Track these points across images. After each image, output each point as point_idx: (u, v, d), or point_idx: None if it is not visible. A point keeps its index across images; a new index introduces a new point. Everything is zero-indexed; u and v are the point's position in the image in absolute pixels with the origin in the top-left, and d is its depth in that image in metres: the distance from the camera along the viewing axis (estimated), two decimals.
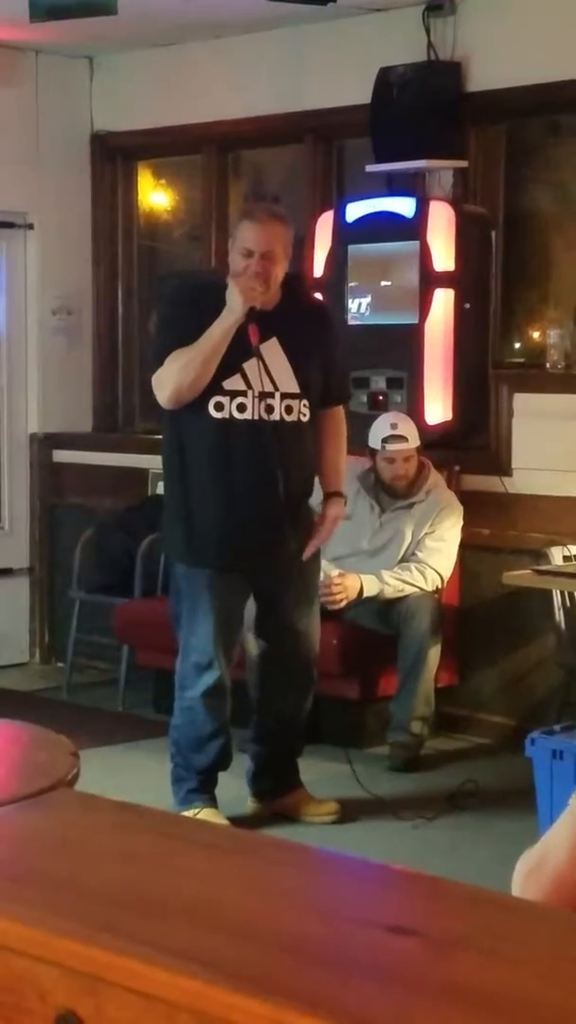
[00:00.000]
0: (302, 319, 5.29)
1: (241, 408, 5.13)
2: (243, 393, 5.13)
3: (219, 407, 5.13)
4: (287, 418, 5.17)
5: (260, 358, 5.08)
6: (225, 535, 5.17)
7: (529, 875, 1.93)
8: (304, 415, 5.22)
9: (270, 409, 5.13)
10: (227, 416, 5.12)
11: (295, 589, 5.31)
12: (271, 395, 5.14)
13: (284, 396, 5.17)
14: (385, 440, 6.31)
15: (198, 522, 5.19)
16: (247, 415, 5.13)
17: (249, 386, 5.12)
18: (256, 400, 5.12)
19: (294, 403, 5.19)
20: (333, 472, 5.43)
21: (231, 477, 5.14)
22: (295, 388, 5.19)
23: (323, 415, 5.33)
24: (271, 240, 5.11)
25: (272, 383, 5.14)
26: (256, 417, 5.12)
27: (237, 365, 5.11)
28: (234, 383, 5.12)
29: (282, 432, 5.14)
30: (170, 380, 5.11)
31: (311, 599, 5.41)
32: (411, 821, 5.52)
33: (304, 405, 5.21)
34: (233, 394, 5.12)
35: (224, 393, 5.12)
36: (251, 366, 5.11)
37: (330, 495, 5.43)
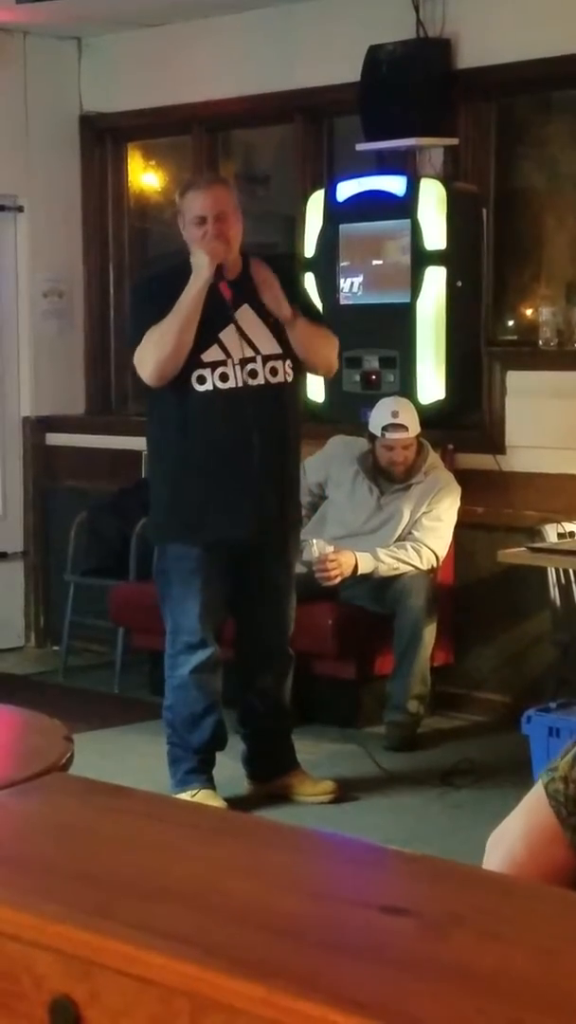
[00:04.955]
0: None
1: (224, 378, 5.11)
2: (223, 363, 5.11)
3: (201, 380, 5.11)
4: (272, 380, 5.16)
5: (235, 320, 5.09)
6: (215, 504, 5.14)
7: (491, 850, 1.96)
8: (289, 375, 5.20)
9: (253, 374, 5.13)
10: (211, 388, 5.10)
11: (276, 568, 5.30)
12: (252, 360, 5.13)
13: (267, 359, 5.15)
14: (385, 428, 6.29)
15: (189, 497, 5.16)
16: (231, 383, 5.11)
17: (228, 354, 5.11)
18: (238, 367, 5.11)
19: (278, 364, 5.17)
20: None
21: (220, 446, 5.12)
22: (276, 349, 5.17)
23: None
24: (219, 202, 5.15)
25: (252, 348, 5.13)
26: (240, 384, 5.11)
27: (213, 336, 5.09)
28: (213, 354, 5.10)
29: (268, 396, 5.14)
30: (150, 355, 5.08)
31: (288, 579, 5.38)
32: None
33: (288, 366, 5.19)
34: (213, 365, 5.10)
35: (204, 366, 5.10)
36: (227, 334, 5.11)
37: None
